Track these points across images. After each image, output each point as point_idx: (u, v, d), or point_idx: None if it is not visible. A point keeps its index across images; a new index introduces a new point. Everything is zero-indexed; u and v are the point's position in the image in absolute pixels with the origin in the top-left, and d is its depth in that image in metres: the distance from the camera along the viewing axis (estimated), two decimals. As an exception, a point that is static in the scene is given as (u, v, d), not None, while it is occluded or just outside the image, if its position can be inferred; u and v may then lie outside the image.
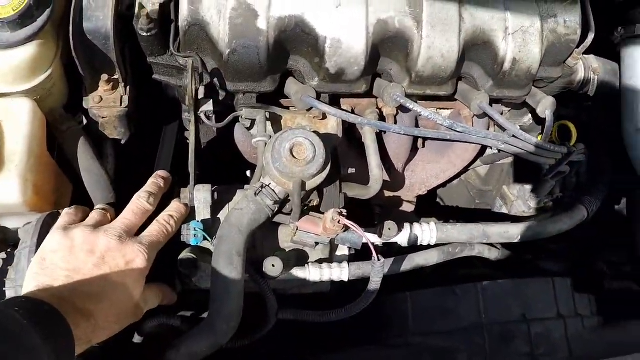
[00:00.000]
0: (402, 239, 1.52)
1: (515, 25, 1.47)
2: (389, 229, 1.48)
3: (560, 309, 1.62)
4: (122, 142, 1.52)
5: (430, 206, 1.89)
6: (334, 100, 1.54)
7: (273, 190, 1.30)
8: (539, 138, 1.63)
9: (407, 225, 1.52)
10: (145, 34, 1.32)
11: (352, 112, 1.55)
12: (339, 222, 1.28)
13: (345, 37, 1.38)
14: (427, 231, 1.53)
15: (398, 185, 1.68)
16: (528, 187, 1.76)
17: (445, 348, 1.54)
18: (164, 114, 1.62)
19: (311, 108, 1.47)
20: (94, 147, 1.44)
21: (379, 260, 1.33)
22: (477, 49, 1.49)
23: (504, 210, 1.84)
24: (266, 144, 1.34)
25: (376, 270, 1.35)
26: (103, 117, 1.43)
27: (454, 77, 1.51)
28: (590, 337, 1.62)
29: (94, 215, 1.29)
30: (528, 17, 1.48)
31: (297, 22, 1.36)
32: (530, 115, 1.74)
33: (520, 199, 1.77)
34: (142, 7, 1.37)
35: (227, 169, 1.61)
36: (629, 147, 1.68)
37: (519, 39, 1.47)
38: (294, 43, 1.40)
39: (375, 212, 1.69)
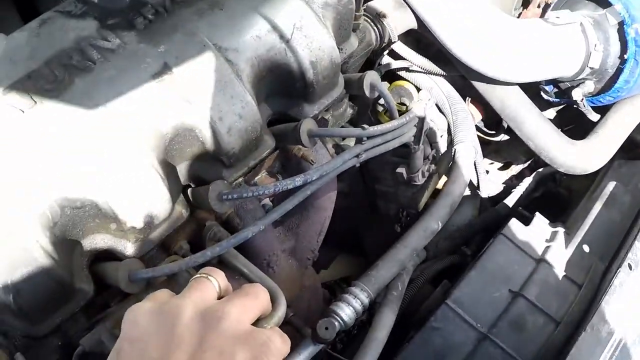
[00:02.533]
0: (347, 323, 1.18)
1: (286, 26, 1.14)
2: (326, 328, 1.13)
3: (532, 255, 1.37)
4: None
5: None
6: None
7: None
8: (386, 119, 1.34)
9: (338, 308, 1.18)
10: None
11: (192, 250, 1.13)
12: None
13: (128, 182, 0.98)
14: (360, 295, 1.20)
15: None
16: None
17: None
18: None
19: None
20: None
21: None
22: (266, 82, 1.15)
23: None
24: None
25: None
26: None
27: (265, 127, 1.16)
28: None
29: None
30: (291, 9, 1.16)
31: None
32: (347, 102, 1.44)
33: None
34: None
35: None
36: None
37: (301, 39, 1.15)
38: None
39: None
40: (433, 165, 1.49)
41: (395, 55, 1.55)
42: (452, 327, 1.25)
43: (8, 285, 0.92)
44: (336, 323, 1.16)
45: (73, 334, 1.03)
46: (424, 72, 1.55)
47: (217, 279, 0.82)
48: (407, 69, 1.56)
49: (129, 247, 1.04)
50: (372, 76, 1.27)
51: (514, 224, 1.41)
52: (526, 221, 1.45)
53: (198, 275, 0.83)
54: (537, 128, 1.52)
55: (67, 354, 1.05)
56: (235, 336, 0.72)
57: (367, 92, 1.26)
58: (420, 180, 1.44)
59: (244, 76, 1.10)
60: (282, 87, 1.18)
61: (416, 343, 1.24)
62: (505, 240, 1.36)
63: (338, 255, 1.70)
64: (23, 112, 1.00)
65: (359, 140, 1.21)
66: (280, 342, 0.75)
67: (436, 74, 1.55)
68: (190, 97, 1.05)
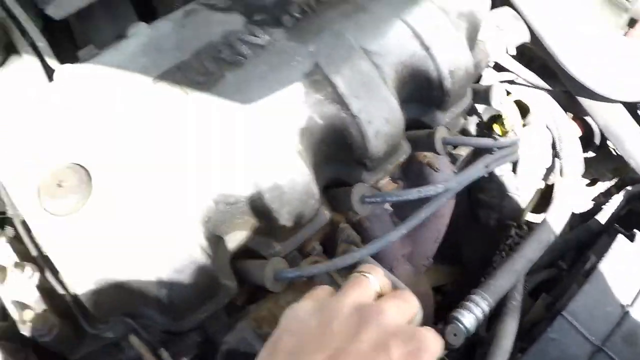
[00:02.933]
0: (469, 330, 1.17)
1: (427, 34, 1.14)
2: (454, 334, 1.13)
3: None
4: None
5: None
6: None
7: None
8: (500, 130, 1.34)
9: (460, 315, 1.18)
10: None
11: (324, 251, 1.12)
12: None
13: (281, 178, 0.96)
14: (482, 303, 1.19)
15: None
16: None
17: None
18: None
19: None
20: None
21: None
22: (406, 88, 1.15)
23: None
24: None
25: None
26: None
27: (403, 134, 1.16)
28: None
29: None
30: (432, 17, 1.16)
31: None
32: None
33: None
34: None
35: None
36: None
37: (441, 47, 1.15)
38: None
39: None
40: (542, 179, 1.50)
41: (499, 67, 1.54)
42: (568, 339, 1.24)
43: (163, 280, 0.92)
44: (463, 329, 1.15)
45: (213, 331, 1.03)
46: (528, 86, 1.55)
47: (376, 278, 0.84)
48: (512, 82, 1.56)
49: (274, 246, 1.04)
50: (499, 89, 1.27)
51: (621, 240, 1.41)
52: (630, 238, 1.45)
53: (357, 273, 0.84)
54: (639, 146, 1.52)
55: (206, 351, 1.04)
56: (391, 331, 0.72)
57: (493, 104, 1.26)
58: (527, 193, 1.44)
59: (389, 81, 1.10)
60: (419, 94, 1.17)
61: (532, 353, 1.23)
62: (615, 255, 1.36)
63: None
64: (178, 100, 1.00)
65: (487, 150, 1.20)
66: (436, 342, 0.74)
67: (541, 88, 1.55)
68: (340, 98, 1.04)
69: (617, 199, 1.65)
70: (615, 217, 1.68)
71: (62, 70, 1.07)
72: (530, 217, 1.56)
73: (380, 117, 1.06)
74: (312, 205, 1.03)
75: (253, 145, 0.98)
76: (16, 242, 1.04)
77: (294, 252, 1.07)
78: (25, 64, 1.18)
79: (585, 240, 1.58)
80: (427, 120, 1.21)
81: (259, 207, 0.98)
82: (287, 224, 1.00)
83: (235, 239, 1.04)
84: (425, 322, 1.30)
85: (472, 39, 1.26)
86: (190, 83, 1.02)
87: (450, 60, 1.15)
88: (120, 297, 0.94)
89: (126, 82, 1.03)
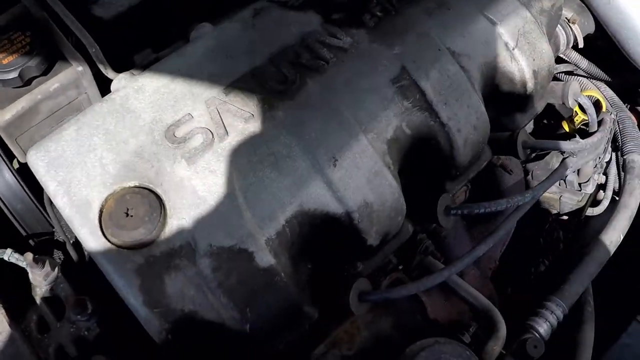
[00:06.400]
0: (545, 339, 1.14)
1: (512, 33, 1.08)
2: (535, 346, 1.10)
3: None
4: None
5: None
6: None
7: None
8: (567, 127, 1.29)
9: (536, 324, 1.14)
10: None
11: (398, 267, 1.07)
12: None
13: (371, 195, 0.91)
14: (557, 311, 1.16)
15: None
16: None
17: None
18: None
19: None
20: None
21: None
22: (488, 89, 1.09)
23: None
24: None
25: None
26: None
27: (487, 139, 1.10)
28: None
29: None
30: (516, 15, 1.09)
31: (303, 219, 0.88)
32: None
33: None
34: None
35: None
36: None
37: (525, 47, 1.08)
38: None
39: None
40: (602, 174, 1.45)
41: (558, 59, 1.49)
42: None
43: (246, 315, 0.85)
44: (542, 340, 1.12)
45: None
46: (587, 77, 1.50)
47: None
48: (571, 73, 1.50)
49: (357, 266, 0.99)
50: (575, 86, 1.21)
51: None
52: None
53: None
54: None
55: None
56: None
57: (569, 103, 1.21)
58: (590, 189, 1.40)
59: (476, 85, 1.04)
60: (500, 95, 1.12)
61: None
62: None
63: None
64: (252, 116, 0.92)
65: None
66: None
67: (601, 80, 1.50)
68: (429, 105, 0.98)
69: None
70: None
71: (121, 80, 0.99)
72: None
73: (469, 125, 1.01)
74: (399, 221, 0.98)
75: (339, 159, 0.91)
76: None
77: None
78: (73, 73, 1.05)
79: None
80: (507, 122, 1.15)
81: (346, 227, 0.92)
82: (375, 243, 0.95)
83: (315, 260, 0.98)
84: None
85: (550, 35, 1.20)
86: (269, 92, 0.95)
87: (535, 60, 1.09)
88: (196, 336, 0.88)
89: (195, 93, 0.94)
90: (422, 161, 1.02)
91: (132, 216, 0.85)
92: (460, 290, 1.05)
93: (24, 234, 1.13)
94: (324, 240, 0.94)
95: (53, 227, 1.11)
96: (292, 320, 0.92)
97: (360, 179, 0.91)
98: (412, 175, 1.04)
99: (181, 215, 0.85)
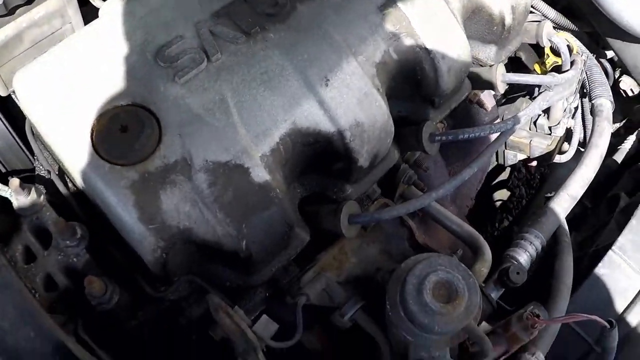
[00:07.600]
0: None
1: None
2: (517, 273, 1.13)
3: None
4: None
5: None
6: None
7: None
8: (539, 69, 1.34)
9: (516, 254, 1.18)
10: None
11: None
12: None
13: (362, 115, 0.93)
14: (535, 242, 1.20)
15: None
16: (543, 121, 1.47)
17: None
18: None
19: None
20: None
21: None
22: (468, 23, 1.12)
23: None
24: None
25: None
26: None
27: (467, 70, 1.13)
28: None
29: None
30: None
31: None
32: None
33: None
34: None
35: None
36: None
37: (504, -20, 1.12)
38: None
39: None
40: (571, 118, 1.50)
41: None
42: (617, 273, 1.28)
43: (242, 231, 0.86)
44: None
45: (284, 284, 0.98)
46: (554, 26, 1.54)
47: None
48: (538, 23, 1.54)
49: (347, 189, 1.00)
50: (548, 27, 1.25)
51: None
52: (653, 178, 1.48)
53: None
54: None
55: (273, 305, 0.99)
56: None
57: (543, 42, 1.25)
58: (560, 132, 1.45)
59: (458, 17, 1.06)
60: (478, 30, 1.15)
61: (584, 289, 1.25)
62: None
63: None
64: (245, 37, 0.93)
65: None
66: None
67: (567, 29, 1.54)
68: (413, 32, 1.00)
69: (631, 139, 1.69)
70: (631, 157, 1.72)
71: (110, 4, 0.97)
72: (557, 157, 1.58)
73: (453, 53, 1.03)
74: (388, 144, 1.00)
75: (330, 80, 0.93)
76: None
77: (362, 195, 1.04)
78: (59, 1, 1.04)
79: (603, 180, 1.62)
80: (483, 57, 1.18)
81: (337, 147, 0.94)
82: (365, 164, 0.97)
83: (307, 183, 1.00)
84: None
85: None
86: (261, 16, 0.96)
87: (512, -5, 1.13)
88: (189, 256, 0.89)
89: (186, 16, 0.94)
90: (406, 88, 1.04)
91: (125, 132, 0.84)
92: (445, 219, 1.07)
93: (3, 170, 1.10)
94: (316, 161, 0.96)
95: (33, 163, 1.09)
96: (284, 241, 0.94)
97: (351, 99, 0.92)
98: (397, 102, 1.06)
99: (176, 132, 0.85)
